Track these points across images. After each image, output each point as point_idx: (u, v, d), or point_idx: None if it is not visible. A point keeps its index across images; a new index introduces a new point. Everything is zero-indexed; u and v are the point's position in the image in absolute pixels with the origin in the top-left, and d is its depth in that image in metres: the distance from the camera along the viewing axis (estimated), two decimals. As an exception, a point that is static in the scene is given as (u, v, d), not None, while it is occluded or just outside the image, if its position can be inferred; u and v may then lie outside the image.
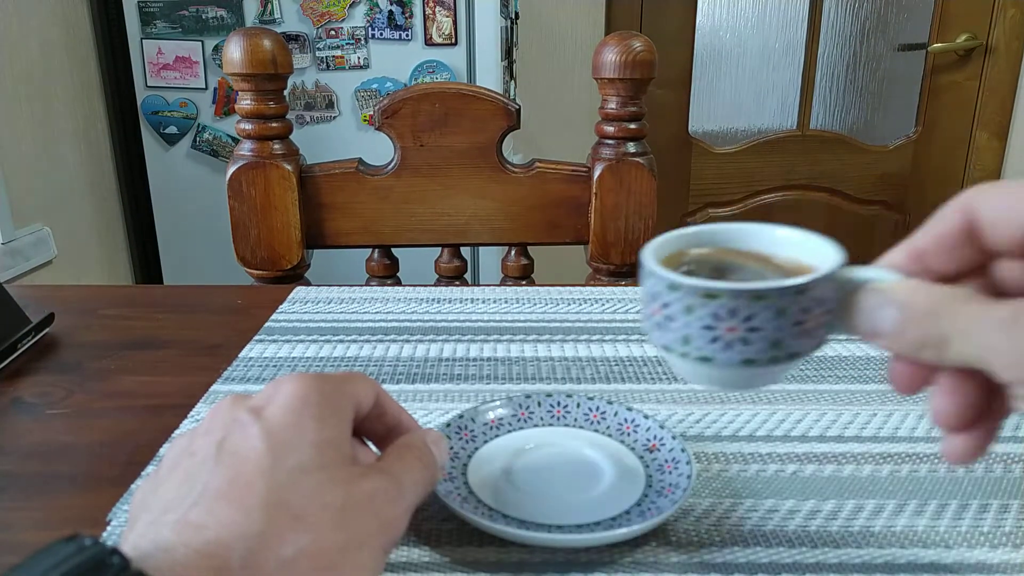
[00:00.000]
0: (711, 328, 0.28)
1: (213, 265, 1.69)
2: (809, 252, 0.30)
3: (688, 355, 0.29)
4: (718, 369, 0.29)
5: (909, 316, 0.26)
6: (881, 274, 0.28)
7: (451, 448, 0.38)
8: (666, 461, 0.37)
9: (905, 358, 0.27)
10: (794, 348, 0.28)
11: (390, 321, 0.61)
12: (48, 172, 1.55)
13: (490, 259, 1.67)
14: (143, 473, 0.39)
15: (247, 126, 0.79)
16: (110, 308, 0.66)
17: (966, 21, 2.07)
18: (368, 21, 1.57)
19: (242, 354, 0.54)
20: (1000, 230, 0.26)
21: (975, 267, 0.28)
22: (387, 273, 0.88)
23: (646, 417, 0.41)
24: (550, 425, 0.43)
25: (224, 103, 1.64)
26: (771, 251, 0.32)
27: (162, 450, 0.41)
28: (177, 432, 0.43)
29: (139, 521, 0.26)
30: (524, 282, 0.89)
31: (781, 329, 0.28)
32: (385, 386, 0.49)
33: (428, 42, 1.57)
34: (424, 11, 1.56)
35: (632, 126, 0.82)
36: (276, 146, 0.80)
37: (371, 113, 1.61)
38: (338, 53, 1.59)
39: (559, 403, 0.43)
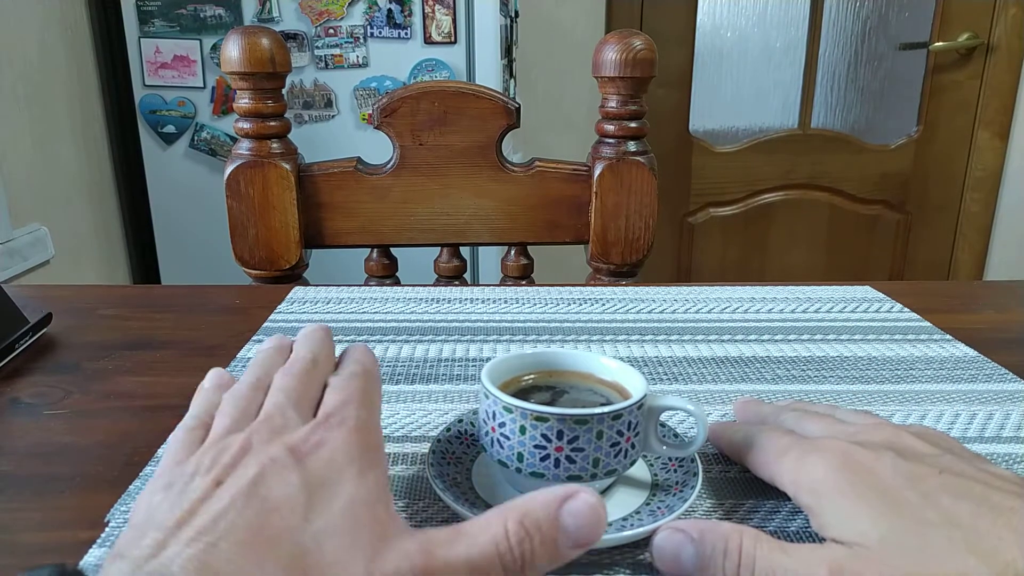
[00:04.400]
0: (542, 447, 0.33)
1: (211, 265, 1.69)
2: (625, 377, 0.37)
3: (522, 471, 0.33)
4: (549, 484, 0.32)
5: (706, 555, 0.29)
6: (678, 401, 0.35)
7: (452, 453, 0.38)
8: (671, 459, 0.37)
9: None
10: (611, 466, 0.33)
11: (389, 321, 0.61)
12: (46, 172, 1.54)
13: (490, 259, 1.67)
14: (141, 474, 0.39)
15: (245, 125, 0.79)
16: (108, 308, 0.65)
17: (967, 20, 2.07)
18: (367, 19, 1.57)
19: (240, 354, 0.54)
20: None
21: None
22: (386, 273, 0.88)
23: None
24: None
25: (222, 102, 1.64)
26: (597, 374, 0.38)
27: (161, 451, 0.41)
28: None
29: (146, 536, 0.25)
30: (524, 282, 0.88)
31: (599, 449, 0.33)
32: (385, 387, 0.49)
33: (427, 40, 1.57)
34: (423, 9, 1.55)
35: (633, 125, 0.81)
36: (274, 145, 0.80)
37: (370, 112, 1.60)
38: (337, 52, 1.59)
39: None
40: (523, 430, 0.33)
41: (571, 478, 0.33)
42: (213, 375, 0.35)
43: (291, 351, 0.35)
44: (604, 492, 0.36)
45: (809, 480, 0.32)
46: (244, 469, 0.27)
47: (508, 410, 0.33)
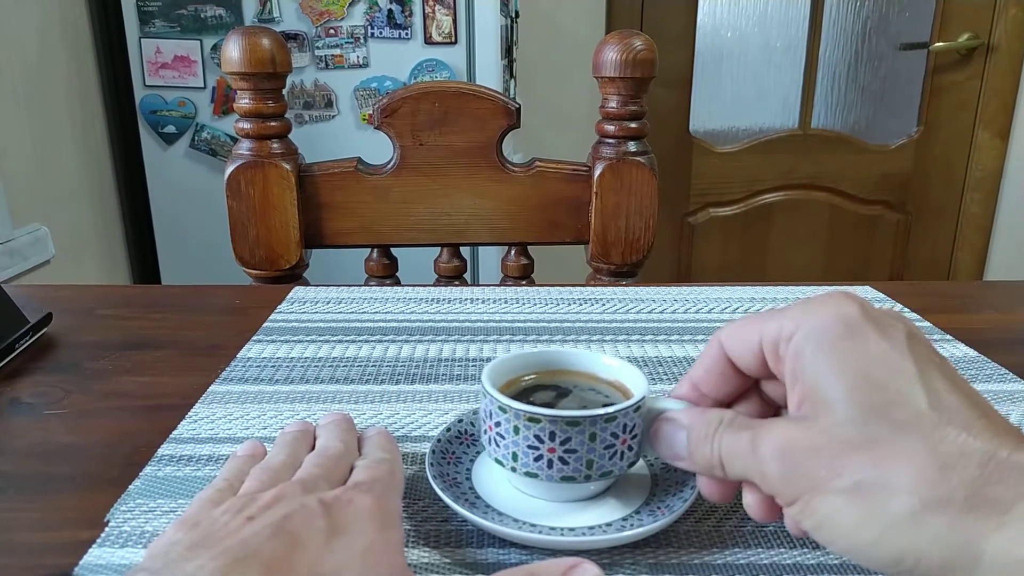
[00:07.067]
0: (535, 448, 0.33)
1: (211, 265, 1.69)
2: (626, 376, 0.37)
3: (517, 470, 0.34)
4: (543, 484, 0.34)
5: (694, 441, 0.31)
6: (675, 403, 0.34)
7: (452, 453, 0.38)
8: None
9: (707, 475, 0.31)
10: (606, 468, 0.33)
11: (389, 321, 0.61)
12: (46, 172, 1.54)
13: (490, 259, 1.67)
14: (142, 473, 0.39)
15: (246, 125, 0.79)
16: (108, 308, 0.65)
17: (968, 20, 2.07)
18: (367, 20, 1.57)
19: (240, 354, 0.54)
20: (742, 360, 0.31)
21: (749, 387, 0.33)
22: (386, 273, 0.88)
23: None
24: None
25: (223, 102, 1.64)
26: (599, 373, 0.38)
27: (161, 450, 0.41)
28: (175, 432, 0.43)
29: (171, 552, 0.27)
30: (524, 282, 0.88)
31: (593, 451, 0.32)
32: (384, 387, 0.49)
33: (428, 41, 1.57)
34: (424, 10, 1.55)
35: (633, 125, 0.81)
36: (275, 145, 0.80)
37: (370, 112, 1.61)
38: (337, 52, 1.59)
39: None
40: (517, 430, 0.33)
41: (564, 479, 0.33)
42: (248, 445, 0.38)
43: (315, 436, 0.38)
44: (603, 493, 0.36)
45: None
46: (276, 509, 0.29)
47: (503, 410, 0.33)
